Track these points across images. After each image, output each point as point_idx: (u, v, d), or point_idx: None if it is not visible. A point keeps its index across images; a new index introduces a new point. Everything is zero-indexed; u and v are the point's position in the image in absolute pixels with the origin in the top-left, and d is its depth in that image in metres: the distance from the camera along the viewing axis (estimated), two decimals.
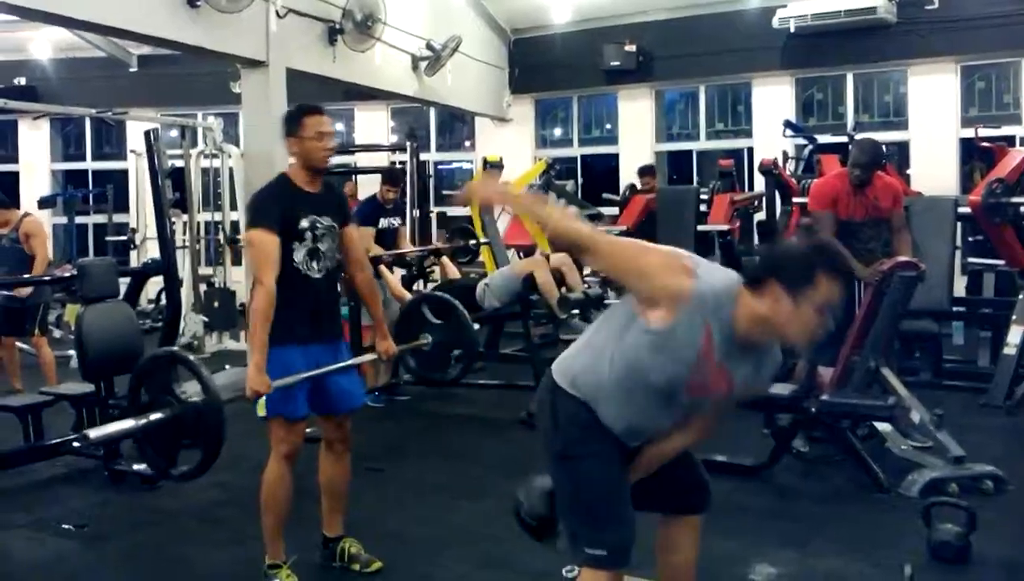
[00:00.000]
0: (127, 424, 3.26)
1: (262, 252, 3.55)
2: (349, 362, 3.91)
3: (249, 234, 3.61)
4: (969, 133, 10.01)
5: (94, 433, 3.26)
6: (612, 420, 2.59)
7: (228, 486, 4.98)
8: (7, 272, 7.03)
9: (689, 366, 2.43)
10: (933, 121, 10.74)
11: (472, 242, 8.41)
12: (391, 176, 7.33)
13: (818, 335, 2.42)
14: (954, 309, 7.28)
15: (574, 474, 2.64)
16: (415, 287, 7.57)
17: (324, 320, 3.79)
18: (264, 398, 3.54)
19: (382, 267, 6.56)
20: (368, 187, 11.72)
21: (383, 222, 7.04)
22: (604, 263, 2.59)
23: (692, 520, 2.84)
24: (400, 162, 11.55)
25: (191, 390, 3.31)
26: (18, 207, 8.10)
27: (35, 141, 14.17)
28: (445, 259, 7.79)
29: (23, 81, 13.03)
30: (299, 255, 3.64)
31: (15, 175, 13.89)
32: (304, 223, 3.65)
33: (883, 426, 5.23)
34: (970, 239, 8.54)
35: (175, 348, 3.51)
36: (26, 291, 7.00)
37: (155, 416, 3.26)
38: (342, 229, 3.83)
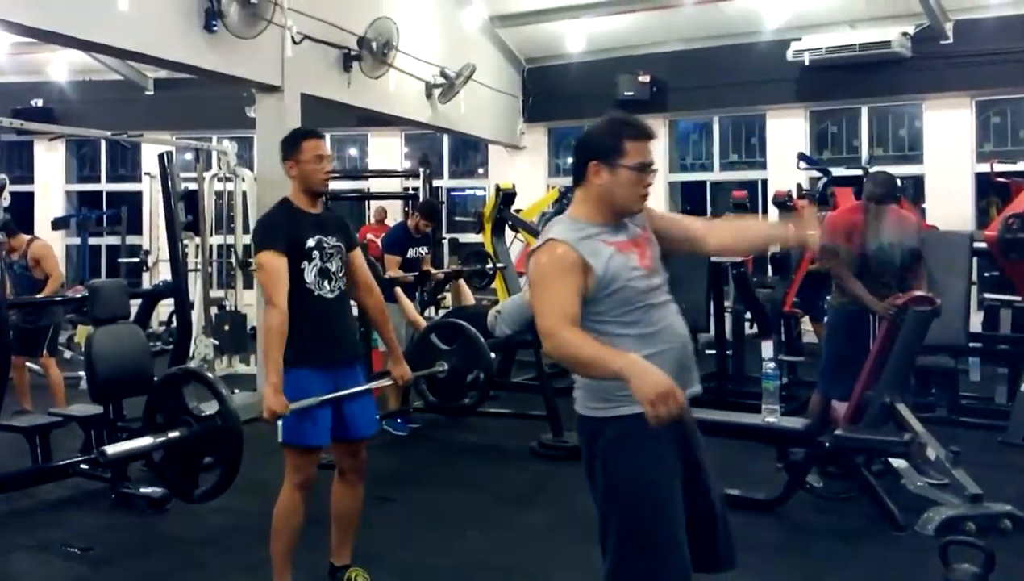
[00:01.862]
0: (145, 441, 3.24)
1: (271, 273, 3.57)
2: (367, 386, 3.89)
3: (258, 257, 3.65)
4: (984, 168, 9.98)
5: (112, 450, 3.23)
6: (656, 362, 2.47)
7: (236, 511, 4.94)
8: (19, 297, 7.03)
9: (625, 257, 2.60)
10: (948, 155, 10.73)
11: (488, 266, 8.34)
12: (430, 210, 7.37)
13: (645, 192, 2.66)
14: (971, 345, 7.21)
15: (629, 511, 2.57)
16: (426, 313, 7.54)
17: (340, 341, 3.77)
18: (281, 422, 3.51)
19: (398, 290, 6.54)
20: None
21: (411, 252, 7.06)
22: (571, 309, 2.55)
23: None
24: (413, 188, 11.57)
25: (208, 409, 3.26)
26: (31, 229, 8.14)
27: (50, 162, 14.25)
28: (462, 282, 7.77)
29: (40, 102, 13.12)
30: (310, 275, 3.64)
31: (30, 195, 13.96)
32: (311, 242, 3.66)
33: (898, 462, 5.17)
34: (986, 274, 8.48)
35: (192, 366, 3.47)
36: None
37: (173, 434, 3.22)
38: (349, 252, 3.83)
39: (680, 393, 2.32)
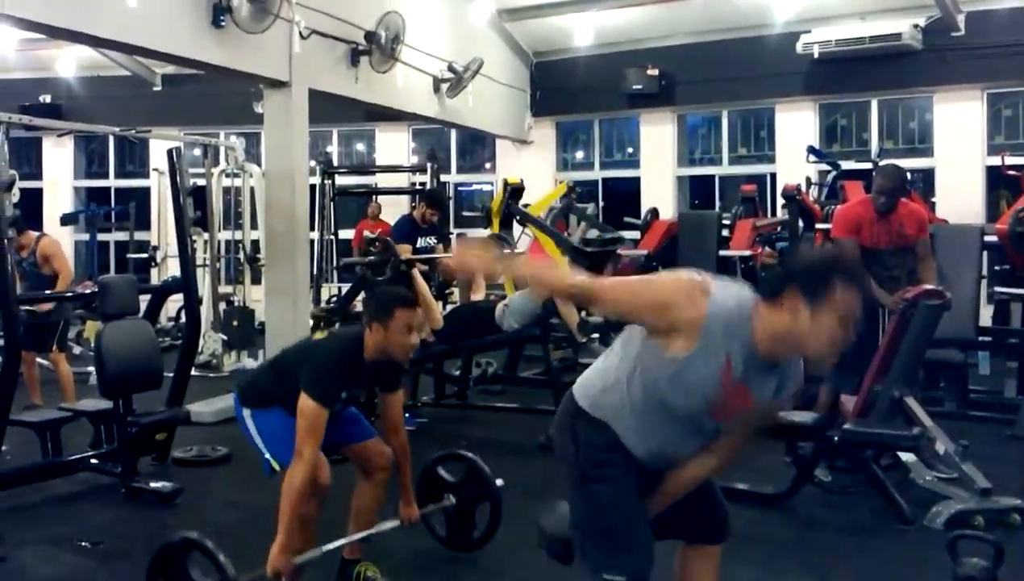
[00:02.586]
0: None
1: (311, 426, 3.50)
2: (370, 532, 3.91)
3: (305, 403, 3.51)
4: (995, 161, 9.94)
5: None
6: (633, 444, 2.56)
7: (245, 506, 4.96)
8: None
9: (709, 393, 2.38)
10: (959, 148, 10.68)
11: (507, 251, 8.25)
12: (436, 199, 7.36)
13: (841, 348, 2.33)
14: (980, 339, 7.19)
15: (592, 497, 2.60)
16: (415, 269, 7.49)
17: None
18: (271, 455, 3.61)
19: (415, 272, 6.54)
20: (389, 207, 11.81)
21: (420, 242, 7.07)
22: (612, 308, 2.59)
23: (712, 550, 2.79)
24: (421, 183, 11.58)
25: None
26: (40, 226, 8.15)
27: (59, 158, 14.28)
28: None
29: (48, 99, 13.15)
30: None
31: (39, 192, 13.99)
32: (344, 395, 3.70)
33: (907, 456, 5.15)
34: (996, 268, 8.45)
35: (193, 534, 3.46)
36: (46, 307, 7.01)
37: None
38: (388, 394, 3.86)
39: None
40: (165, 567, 3.39)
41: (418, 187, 11.03)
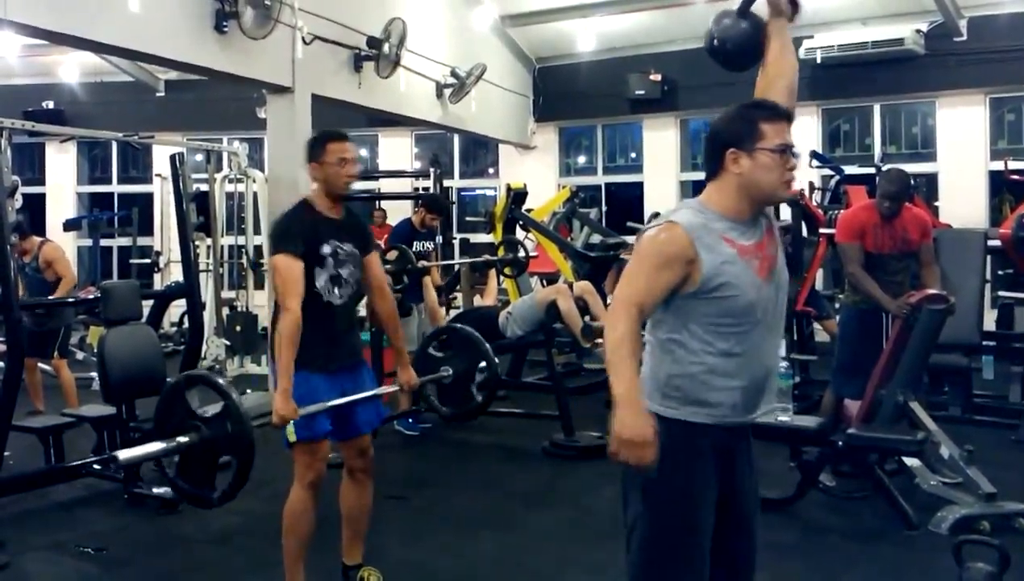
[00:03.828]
0: (156, 446, 3.23)
1: (287, 277, 3.54)
2: (373, 391, 3.88)
3: (273, 259, 3.61)
4: (998, 165, 9.93)
5: (123, 455, 3.21)
6: (729, 391, 2.47)
7: (248, 512, 4.95)
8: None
9: (743, 262, 2.46)
10: (962, 153, 10.67)
11: (522, 255, 8.21)
12: (435, 205, 7.36)
13: (790, 175, 2.51)
14: (984, 343, 7.16)
15: (660, 512, 2.50)
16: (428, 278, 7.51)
17: (346, 345, 3.79)
18: (292, 425, 3.51)
19: (426, 280, 6.54)
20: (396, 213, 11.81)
21: (416, 245, 7.07)
22: (647, 298, 2.46)
23: None
24: (424, 188, 11.57)
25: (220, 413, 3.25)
26: (43, 231, 8.15)
27: (62, 164, 14.30)
28: (491, 275, 7.75)
29: (51, 104, 13.16)
30: (321, 281, 3.64)
31: (42, 197, 14.00)
32: (326, 249, 3.65)
33: (912, 461, 5.14)
34: (1000, 272, 8.44)
35: (203, 370, 3.46)
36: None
37: (183, 439, 3.22)
38: (365, 256, 3.83)
39: (650, 454, 2.33)
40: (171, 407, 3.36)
41: (421, 193, 11.02)
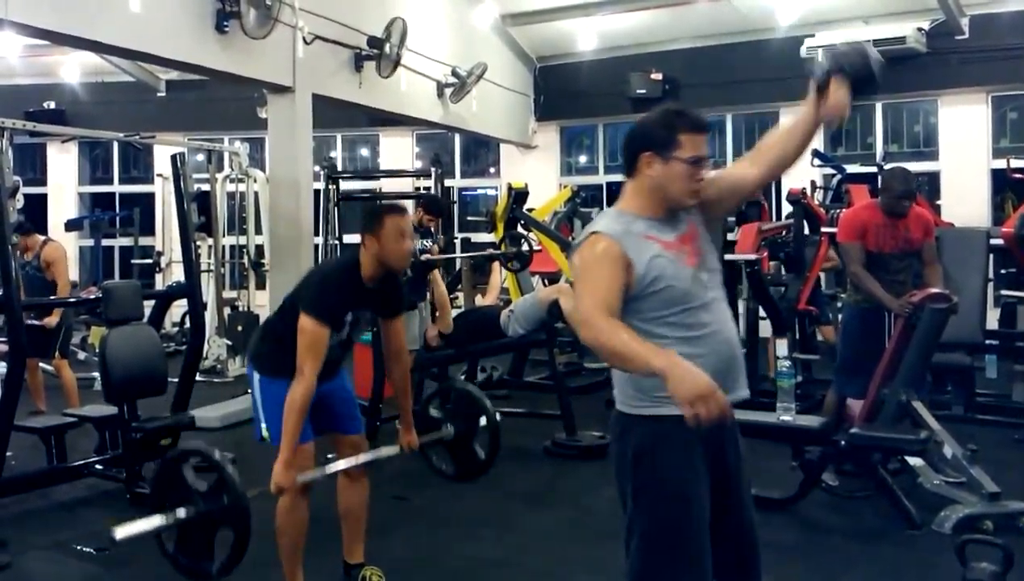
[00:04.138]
0: (155, 521, 3.23)
1: (312, 343, 3.48)
2: (374, 455, 3.93)
3: (304, 321, 3.49)
4: (1001, 164, 9.92)
5: (120, 533, 3.16)
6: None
7: (251, 511, 4.93)
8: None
9: (671, 255, 2.52)
10: (964, 152, 10.67)
11: (526, 249, 8.19)
12: (433, 205, 7.39)
13: (697, 186, 2.55)
14: (987, 342, 7.16)
15: (655, 513, 2.52)
16: (437, 314, 7.53)
17: (335, 364, 3.80)
18: (269, 431, 3.55)
19: (435, 274, 6.53)
20: None
21: (416, 244, 7.08)
22: (612, 300, 2.49)
23: None
24: (425, 188, 11.55)
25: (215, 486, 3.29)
26: (45, 231, 8.14)
27: (63, 164, 14.30)
28: (495, 269, 7.74)
29: (52, 104, 13.14)
30: (330, 339, 3.61)
31: (43, 197, 14.01)
32: (349, 317, 3.65)
33: (915, 460, 5.13)
34: (1002, 271, 8.43)
35: (201, 445, 3.46)
36: (54, 321, 6.98)
37: (181, 514, 3.22)
38: (390, 319, 3.83)
39: (722, 396, 2.26)
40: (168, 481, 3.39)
41: (422, 192, 11.02)
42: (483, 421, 4.25)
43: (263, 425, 3.73)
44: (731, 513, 2.61)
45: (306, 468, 3.66)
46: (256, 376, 3.80)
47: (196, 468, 3.39)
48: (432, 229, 7.43)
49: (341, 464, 3.78)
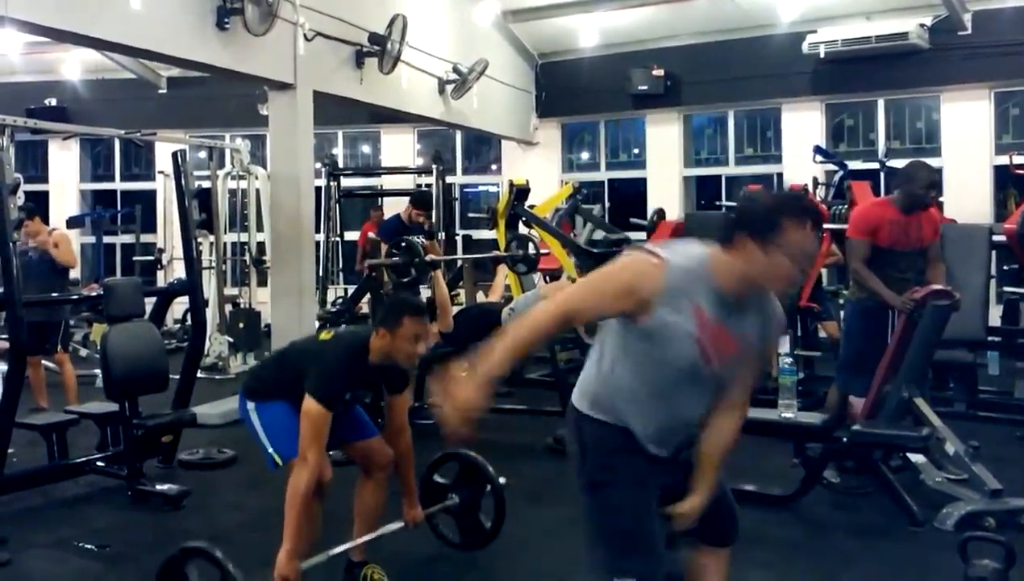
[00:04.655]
0: None
1: (315, 429, 3.50)
2: (379, 532, 3.93)
3: (310, 405, 3.50)
4: (1003, 160, 9.89)
5: None
6: (643, 427, 2.54)
7: (251, 508, 4.94)
8: (37, 288, 6.98)
9: (692, 343, 2.41)
10: (966, 148, 10.64)
11: (533, 251, 8.17)
12: (422, 201, 7.44)
13: (797, 281, 2.44)
14: (989, 339, 7.15)
15: (603, 500, 2.58)
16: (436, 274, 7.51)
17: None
18: (274, 450, 3.58)
19: (437, 275, 6.54)
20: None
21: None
22: (586, 315, 2.55)
23: (722, 552, 2.77)
24: (426, 185, 11.56)
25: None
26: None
27: (65, 161, 14.30)
28: (500, 270, 7.74)
29: (54, 101, 13.16)
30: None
31: (45, 194, 14.01)
32: (347, 396, 3.68)
33: (917, 457, 5.13)
34: (1005, 268, 8.42)
35: (201, 543, 3.46)
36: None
37: None
38: (393, 396, 3.85)
39: (468, 426, 2.40)
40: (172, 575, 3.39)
41: (424, 189, 11.03)
42: (488, 489, 4.27)
43: (271, 451, 3.72)
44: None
45: (325, 477, 3.66)
46: (251, 405, 3.82)
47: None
48: (423, 224, 7.48)
49: (346, 545, 3.79)
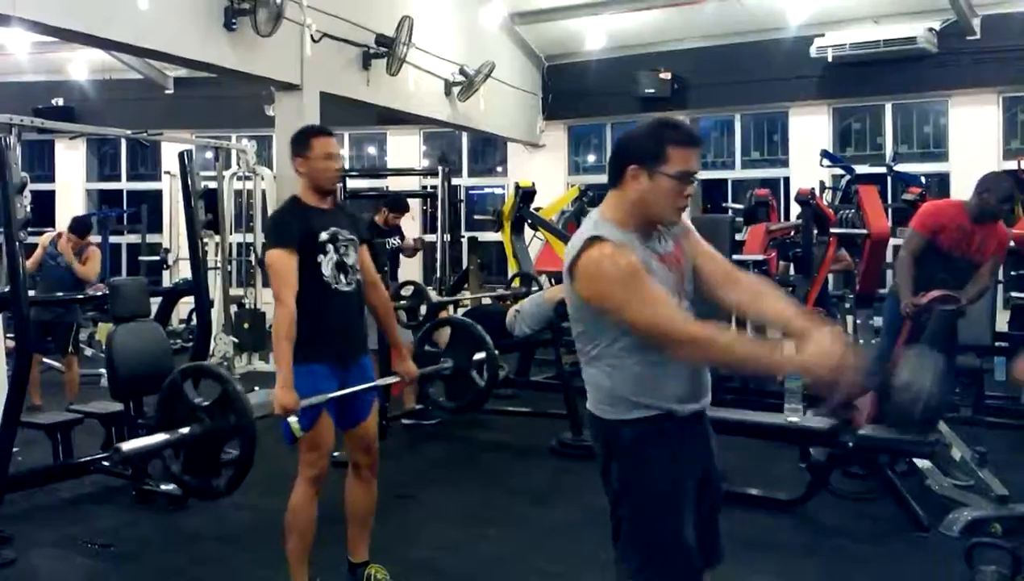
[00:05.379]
0: (160, 438, 3.23)
1: (279, 271, 3.55)
2: (375, 383, 3.89)
3: (268, 254, 3.62)
4: (1011, 165, 9.86)
5: (127, 447, 3.22)
6: (676, 382, 2.49)
7: (256, 508, 4.94)
8: (55, 290, 7.18)
9: (667, 275, 2.48)
10: (974, 153, 10.61)
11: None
12: (396, 204, 7.61)
13: (684, 203, 2.47)
14: (996, 344, 7.13)
15: (638, 509, 2.53)
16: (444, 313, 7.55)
17: (354, 336, 3.79)
18: (297, 419, 3.49)
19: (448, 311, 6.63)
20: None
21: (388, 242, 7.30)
22: (673, 310, 2.49)
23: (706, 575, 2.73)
24: (432, 187, 11.54)
25: (218, 399, 3.25)
26: (52, 228, 8.20)
27: (71, 161, 14.33)
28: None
29: (61, 101, 13.19)
30: (327, 269, 3.63)
31: (51, 194, 14.04)
32: (324, 235, 3.66)
33: (923, 463, 5.10)
34: (1012, 273, 8.38)
35: (205, 362, 3.46)
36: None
37: (186, 431, 3.22)
38: (360, 249, 3.84)
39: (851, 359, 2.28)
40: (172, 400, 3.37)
41: (429, 191, 11.02)
42: (480, 355, 4.30)
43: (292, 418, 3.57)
44: (706, 500, 2.62)
45: (322, 468, 3.65)
46: None
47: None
48: (400, 226, 7.69)
49: (351, 390, 3.71)
